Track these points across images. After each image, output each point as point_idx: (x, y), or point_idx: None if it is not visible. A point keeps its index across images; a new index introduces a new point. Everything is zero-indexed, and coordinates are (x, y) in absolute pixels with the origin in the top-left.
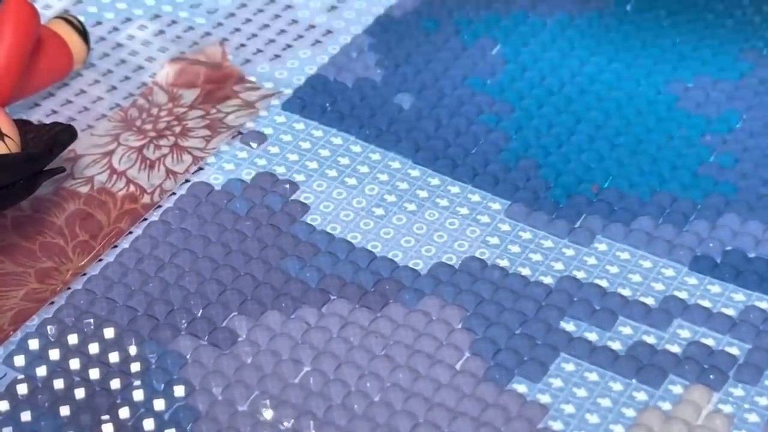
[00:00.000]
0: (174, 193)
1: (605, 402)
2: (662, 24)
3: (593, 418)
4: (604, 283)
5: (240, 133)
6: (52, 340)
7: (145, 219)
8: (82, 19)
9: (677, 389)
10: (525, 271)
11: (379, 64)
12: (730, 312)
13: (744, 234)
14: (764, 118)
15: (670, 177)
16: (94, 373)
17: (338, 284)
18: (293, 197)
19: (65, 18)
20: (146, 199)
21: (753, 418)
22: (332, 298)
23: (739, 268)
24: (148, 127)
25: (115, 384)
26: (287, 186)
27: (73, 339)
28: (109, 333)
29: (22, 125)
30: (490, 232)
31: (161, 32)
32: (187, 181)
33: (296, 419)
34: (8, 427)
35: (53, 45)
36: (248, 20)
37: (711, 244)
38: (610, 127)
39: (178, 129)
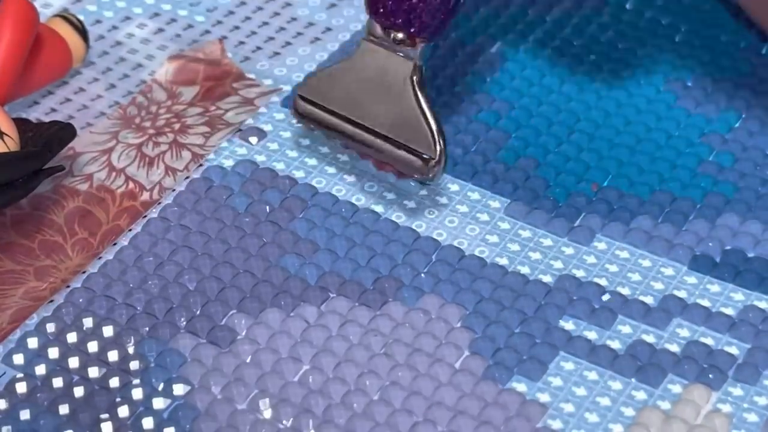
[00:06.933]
0: (173, 190)
1: (604, 401)
2: (661, 22)
3: (592, 417)
4: (603, 282)
5: (239, 129)
6: (51, 338)
7: (145, 216)
8: (81, 17)
9: (676, 388)
10: (524, 270)
11: None
12: (730, 311)
13: (743, 233)
14: (763, 117)
15: (669, 176)
16: (94, 372)
17: (338, 282)
18: (292, 193)
19: (64, 16)
20: (145, 196)
21: (752, 417)
22: (331, 295)
23: (739, 268)
24: (147, 124)
25: (115, 382)
26: (287, 182)
27: (72, 337)
28: (108, 331)
29: (21, 123)
30: (490, 230)
31: (160, 30)
32: (186, 177)
33: (295, 417)
34: (7, 426)
35: (52, 43)
36: (247, 18)
37: (710, 244)
38: (609, 125)
39: (177, 126)
